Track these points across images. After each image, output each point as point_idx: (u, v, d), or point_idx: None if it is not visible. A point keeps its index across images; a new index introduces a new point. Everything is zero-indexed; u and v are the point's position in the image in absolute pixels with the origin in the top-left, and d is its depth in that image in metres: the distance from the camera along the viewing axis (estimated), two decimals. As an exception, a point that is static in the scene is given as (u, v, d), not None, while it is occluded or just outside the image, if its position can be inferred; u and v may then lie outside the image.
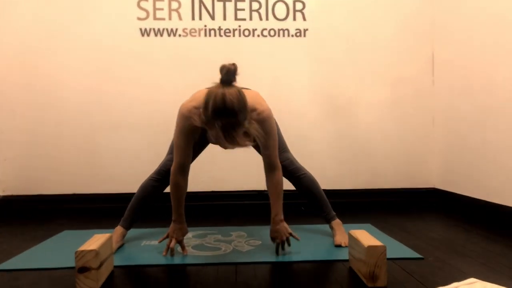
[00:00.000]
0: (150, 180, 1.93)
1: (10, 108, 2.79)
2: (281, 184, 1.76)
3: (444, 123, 2.91)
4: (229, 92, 1.45)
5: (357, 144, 2.97)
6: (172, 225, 1.76)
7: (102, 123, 2.84)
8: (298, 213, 2.66)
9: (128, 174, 2.80)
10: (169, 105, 2.84)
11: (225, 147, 1.59)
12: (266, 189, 2.74)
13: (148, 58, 2.86)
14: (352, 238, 1.55)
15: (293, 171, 1.96)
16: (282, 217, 1.75)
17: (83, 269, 1.35)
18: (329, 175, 2.89)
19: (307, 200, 2.04)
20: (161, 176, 1.90)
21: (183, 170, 1.73)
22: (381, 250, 1.38)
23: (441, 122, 2.94)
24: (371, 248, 1.38)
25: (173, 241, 1.72)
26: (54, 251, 1.83)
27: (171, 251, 1.72)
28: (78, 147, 2.83)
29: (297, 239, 1.77)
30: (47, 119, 2.81)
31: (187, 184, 1.77)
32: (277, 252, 1.73)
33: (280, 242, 1.73)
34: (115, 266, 1.61)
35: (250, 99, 1.55)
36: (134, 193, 1.95)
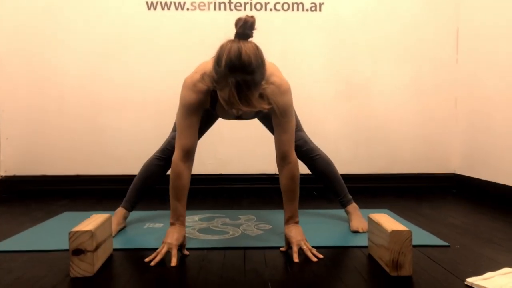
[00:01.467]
0: (154, 159, 1.80)
1: (11, 86, 2.69)
2: (297, 179, 1.50)
3: (467, 104, 2.73)
4: (246, 46, 1.24)
5: (373, 126, 2.82)
6: (169, 228, 1.45)
7: (106, 103, 2.73)
8: (311, 197, 2.54)
9: (132, 156, 2.68)
10: (176, 84, 2.71)
11: (236, 113, 1.42)
12: (276, 172, 2.60)
13: (155, 34, 2.72)
14: (372, 223, 1.41)
15: (307, 152, 1.81)
16: (297, 219, 1.51)
17: (77, 251, 1.24)
18: (343, 158, 2.74)
19: (321, 183, 1.89)
20: (166, 155, 1.76)
21: (188, 156, 1.46)
22: (406, 236, 1.23)
23: (464, 103, 2.76)
24: (395, 233, 1.23)
25: (165, 248, 1.38)
26: (52, 232, 1.73)
27: (157, 259, 1.35)
28: (81, 128, 2.72)
29: (319, 257, 1.41)
30: (49, 98, 2.70)
31: (190, 175, 1.48)
32: (295, 259, 1.38)
33: (297, 248, 1.42)
34: (114, 249, 1.49)
35: (269, 66, 1.37)
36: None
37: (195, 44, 2.72)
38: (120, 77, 2.72)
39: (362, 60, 2.78)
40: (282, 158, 1.49)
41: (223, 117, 1.64)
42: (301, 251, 1.42)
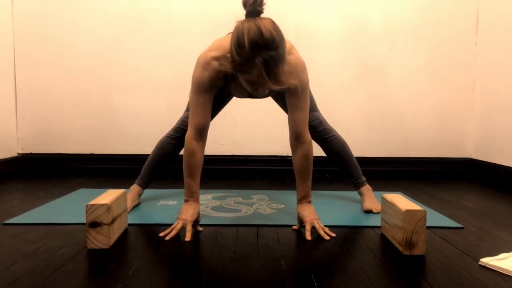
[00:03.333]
0: (167, 138, 1.81)
1: (28, 66, 2.71)
2: (310, 159, 1.48)
3: (485, 89, 2.67)
4: (263, 22, 1.21)
5: (388, 109, 2.78)
6: (183, 205, 1.46)
7: (120, 83, 2.74)
8: (324, 180, 2.54)
9: (145, 135, 2.71)
10: (189, 64, 2.70)
11: (260, 94, 1.40)
12: (289, 154, 2.60)
13: (168, 13, 2.71)
14: (386, 203, 1.41)
15: (322, 132, 1.80)
16: (310, 199, 1.50)
17: (94, 224, 1.27)
18: (357, 141, 2.71)
19: (336, 164, 1.89)
20: (179, 134, 1.77)
21: (201, 134, 1.45)
22: (421, 215, 1.23)
23: (483, 87, 2.70)
24: (409, 212, 1.23)
25: (180, 223, 1.40)
26: (68, 207, 1.76)
27: (172, 234, 1.37)
28: (96, 107, 2.75)
29: (332, 235, 1.41)
30: (65, 78, 2.72)
31: (203, 154, 1.48)
32: (308, 236, 1.39)
33: (310, 227, 1.42)
34: (129, 224, 1.52)
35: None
36: (151, 154, 1.85)
37: (209, 23, 2.70)
38: (134, 57, 2.72)
39: (378, 42, 2.73)
40: (296, 138, 1.48)
41: (237, 96, 1.63)
42: (313, 229, 1.43)
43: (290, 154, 2.37)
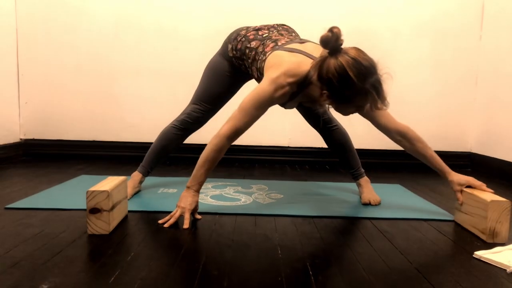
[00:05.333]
0: (172, 128, 1.82)
1: (31, 52, 2.72)
2: (422, 139, 1.58)
3: (488, 83, 2.66)
4: (353, 53, 1.31)
5: (390, 101, 2.76)
6: (183, 192, 1.48)
7: (122, 70, 2.74)
8: (324, 171, 2.55)
9: (147, 123, 2.73)
10: (191, 52, 2.72)
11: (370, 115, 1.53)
12: (289, 145, 2.60)
13: (172, 1, 2.70)
14: (465, 194, 1.47)
15: (326, 121, 1.82)
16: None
17: (94, 210, 1.28)
18: (357, 133, 2.71)
19: (336, 155, 1.90)
20: (185, 126, 1.79)
21: (235, 138, 1.48)
22: (505, 206, 1.32)
23: (485, 82, 2.69)
24: (494, 203, 1.31)
25: (178, 211, 1.43)
26: (69, 193, 1.78)
27: (171, 221, 1.40)
28: (98, 94, 2.75)
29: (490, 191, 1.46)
30: (67, 64, 2.73)
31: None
32: (460, 199, 1.48)
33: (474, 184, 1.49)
34: (129, 211, 1.54)
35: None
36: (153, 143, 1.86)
37: (212, 13, 2.69)
38: (137, 45, 2.72)
39: (380, 34, 2.72)
40: (399, 134, 1.57)
41: (287, 108, 1.66)
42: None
43: (290, 145, 2.38)
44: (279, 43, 1.54)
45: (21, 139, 2.77)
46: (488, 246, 1.26)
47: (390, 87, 2.86)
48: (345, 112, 1.44)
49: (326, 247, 1.25)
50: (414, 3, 2.71)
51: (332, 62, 1.31)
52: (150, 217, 1.50)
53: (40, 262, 1.06)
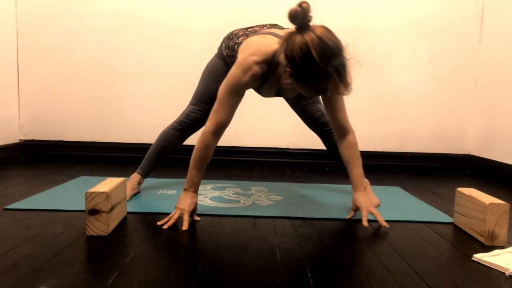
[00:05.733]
0: (171, 129, 1.82)
1: (31, 53, 2.72)
2: (357, 147, 1.57)
3: (488, 86, 2.66)
4: (319, 31, 1.24)
5: (389, 103, 2.78)
6: (182, 194, 1.49)
7: (122, 72, 2.74)
8: (323, 172, 2.55)
9: (146, 125, 2.73)
10: (192, 54, 2.72)
11: (291, 94, 1.46)
12: (288, 146, 2.60)
13: (172, 4, 2.70)
14: (462, 196, 1.47)
15: (324, 124, 1.82)
16: (365, 185, 1.59)
17: (93, 211, 1.28)
18: (357, 134, 2.73)
19: (335, 157, 1.89)
20: (183, 127, 1.79)
21: (220, 132, 1.47)
22: (504, 209, 1.30)
23: (485, 84, 2.69)
24: (493, 205, 1.30)
25: (177, 213, 1.43)
26: (68, 194, 1.78)
27: (169, 223, 1.40)
28: (97, 95, 2.75)
29: (385, 226, 1.44)
30: (67, 65, 2.73)
31: (214, 150, 1.51)
32: (364, 223, 1.44)
33: (366, 213, 1.47)
34: (128, 212, 1.54)
35: None
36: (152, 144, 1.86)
37: (213, 14, 2.69)
38: (137, 46, 2.72)
39: (380, 35, 2.72)
40: (342, 131, 1.55)
41: (264, 96, 1.65)
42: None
43: (290, 146, 2.38)
44: (258, 32, 1.53)
45: (20, 140, 2.77)
46: (487, 249, 1.26)
47: (389, 88, 2.88)
48: (308, 93, 1.40)
49: (325, 250, 1.25)
50: (414, 4, 2.71)
51: (297, 38, 1.24)
52: (149, 219, 1.49)
53: (39, 263, 1.06)
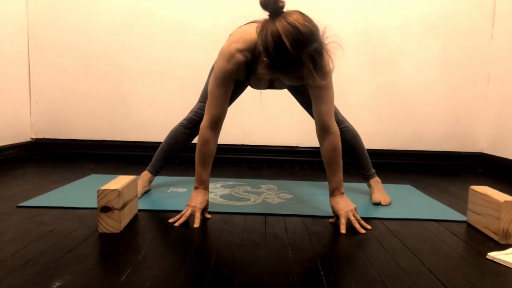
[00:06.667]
0: (180, 127, 1.82)
1: (41, 53, 2.74)
2: (339, 150, 1.46)
3: (500, 83, 2.63)
4: (293, 18, 1.19)
5: (399, 101, 2.76)
6: (193, 192, 1.49)
7: (131, 71, 2.75)
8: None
9: (156, 123, 2.74)
10: (201, 52, 2.72)
11: (283, 86, 1.41)
12: (298, 145, 2.57)
13: (179, 2, 2.71)
14: (475, 194, 1.45)
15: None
16: (343, 190, 1.47)
17: (105, 209, 1.29)
18: (367, 132, 2.69)
19: (347, 156, 1.87)
20: (192, 124, 1.79)
21: (217, 125, 1.46)
22: None
23: (497, 81, 2.66)
24: (508, 203, 1.28)
25: (189, 210, 1.43)
26: (80, 192, 1.79)
27: (181, 220, 1.40)
28: (107, 94, 2.77)
29: (368, 228, 1.41)
30: (77, 65, 2.75)
31: (216, 144, 1.49)
32: (342, 230, 1.37)
33: (344, 220, 1.40)
34: (139, 210, 1.54)
35: None
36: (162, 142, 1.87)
37: (220, 13, 2.69)
38: (146, 45, 2.73)
39: (390, 32, 2.70)
40: (322, 130, 1.46)
41: (255, 87, 1.63)
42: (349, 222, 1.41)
43: (299, 144, 2.37)
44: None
45: (32, 138, 2.80)
46: (502, 247, 1.24)
47: (399, 86, 2.85)
48: (289, 82, 1.33)
49: (337, 247, 1.25)
50: (425, 1, 2.68)
51: (270, 27, 1.20)
52: (160, 216, 1.50)
53: (52, 260, 1.07)
